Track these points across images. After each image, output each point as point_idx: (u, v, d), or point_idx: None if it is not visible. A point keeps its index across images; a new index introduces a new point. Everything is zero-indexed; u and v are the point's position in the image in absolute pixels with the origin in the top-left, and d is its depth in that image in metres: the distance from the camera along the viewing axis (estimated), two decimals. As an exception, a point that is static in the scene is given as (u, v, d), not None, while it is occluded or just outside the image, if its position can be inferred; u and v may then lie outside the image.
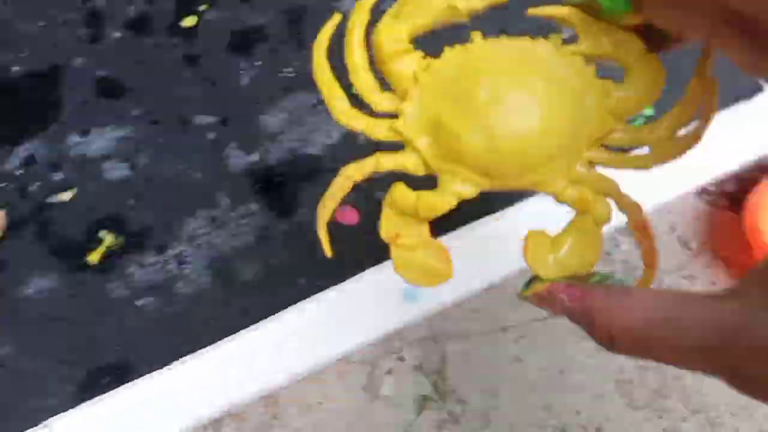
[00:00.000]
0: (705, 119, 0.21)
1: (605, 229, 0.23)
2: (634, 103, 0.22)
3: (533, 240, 0.23)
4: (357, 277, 0.35)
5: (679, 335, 0.16)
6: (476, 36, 0.22)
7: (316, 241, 0.23)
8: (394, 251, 0.24)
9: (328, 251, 0.23)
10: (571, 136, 0.22)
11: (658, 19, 0.19)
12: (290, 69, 0.41)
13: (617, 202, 0.23)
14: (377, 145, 0.23)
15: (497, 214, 0.37)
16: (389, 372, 0.90)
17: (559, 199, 0.22)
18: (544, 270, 0.22)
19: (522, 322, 0.92)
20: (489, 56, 0.22)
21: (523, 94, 0.21)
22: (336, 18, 0.23)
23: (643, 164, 0.23)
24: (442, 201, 0.22)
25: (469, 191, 0.22)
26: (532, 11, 0.22)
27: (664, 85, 0.22)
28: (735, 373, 0.15)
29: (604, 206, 0.22)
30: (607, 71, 0.22)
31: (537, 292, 0.21)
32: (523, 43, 0.22)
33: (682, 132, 0.22)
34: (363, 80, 0.23)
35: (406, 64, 0.22)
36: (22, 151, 0.38)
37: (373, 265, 0.35)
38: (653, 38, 0.21)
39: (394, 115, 0.23)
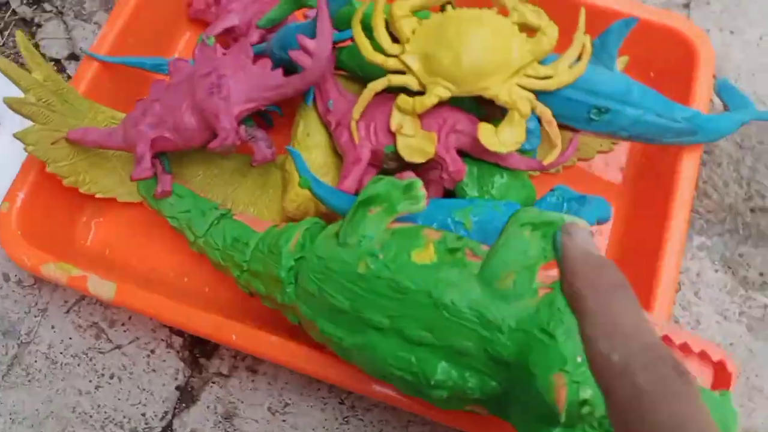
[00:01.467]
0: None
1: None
2: (542, 50, 0.37)
3: (484, 129, 0.37)
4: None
5: None
6: (449, 7, 0.38)
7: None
8: (399, 139, 0.38)
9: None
10: (504, 61, 0.37)
11: None
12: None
13: (534, 107, 0.37)
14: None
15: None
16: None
17: (497, 100, 0.37)
18: (494, 146, 0.37)
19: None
20: (456, 15, 0.37)
21: (475, 35, 0.36)
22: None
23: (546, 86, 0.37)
24: (428, 99, 0.37)
25: (444, 93, 0.37)
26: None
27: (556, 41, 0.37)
28: None
29: (524, 105, 0.37)
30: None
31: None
32: (477, 11, 0.38)
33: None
34: (382, 34, 0.38)
35: (408, 24, 0.38)
36: None
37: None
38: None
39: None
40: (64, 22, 0.52)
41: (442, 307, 0.29)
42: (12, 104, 0.38)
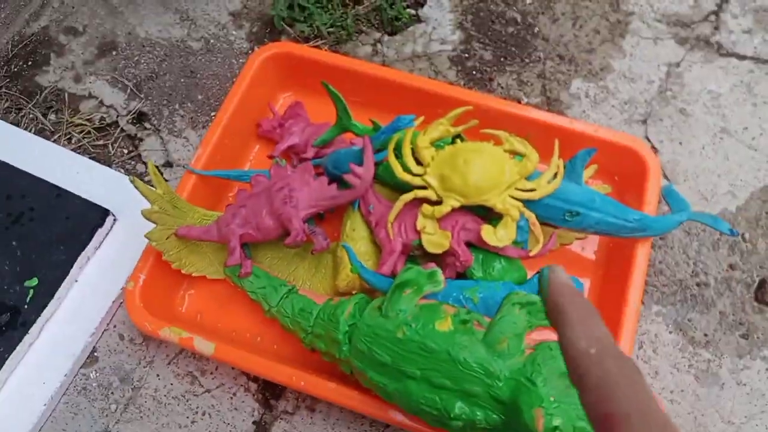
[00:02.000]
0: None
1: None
2: (527, 170, 0.51)
3: (486, 229, 0.51)
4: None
5: None
6: (458, 140, 0.52)
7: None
8: (423, 236, 0.52)
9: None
10: (499, 180, 0.51)
11: None
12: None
13: (522, 212, 0.51)
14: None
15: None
16: None
17: (495, 208, 0.51)
18: (493, 242, 0.50)
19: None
20: (463, 147, 0.52)
21: (477, 162, 0.51)
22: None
23: (531, 196, 0.51)
24: (444, 208, 0.51)
25: (456, 203, 0.51)
26: (484, 131, 0.53)
27: (540, 163, 0.51)
28: None
29: (515, 212, 0.51)
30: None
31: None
32: (479, 143, 0.52)
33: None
34: (409, 160, 0.53)
35: (428, 153, 0.52)
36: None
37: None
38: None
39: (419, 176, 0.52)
40: (161, 137, 0.67)
41: (457, 362, 0.42)
42: (144, 214, 0.52)
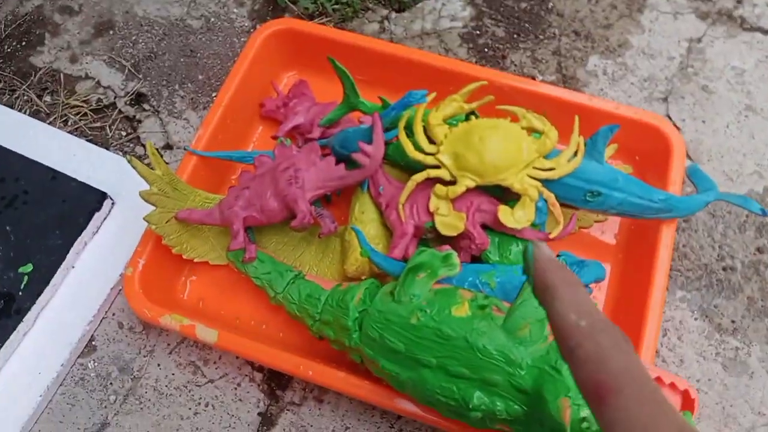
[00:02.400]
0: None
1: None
2: (545, 148, 0.48)
3: (503, 210, 0.48)
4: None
5: None
6: (472, 116, 0.50)
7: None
8: (436, 218, 0.49)
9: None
10: (517, 158, 0.48)
11: None
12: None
13: (541, 191, 0.48)
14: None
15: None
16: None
17: (512, 188, 0.48)
18: (511, 223, 0.47)
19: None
20: (479, 124, 0.49)
21: (494, 139, 0.48)
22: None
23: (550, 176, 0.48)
24: (459, 188, 0.48)
25: (471, 183, 0.48)
26: (500, 107, 0.50)
27: (559, 142, 0.48)
28: None
29: (533, 192, 0.48)
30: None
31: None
32: (495, 120, 0.49)
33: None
34: (421, 138, 0.50)
35: (441, 130, 0.50)
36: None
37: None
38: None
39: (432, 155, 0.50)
40: (160, 119, 0.65)
41: (476, 350, 0.39)
42: (143, 195, 0.49)
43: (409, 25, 0.69)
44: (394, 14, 0.70)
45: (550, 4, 0.69)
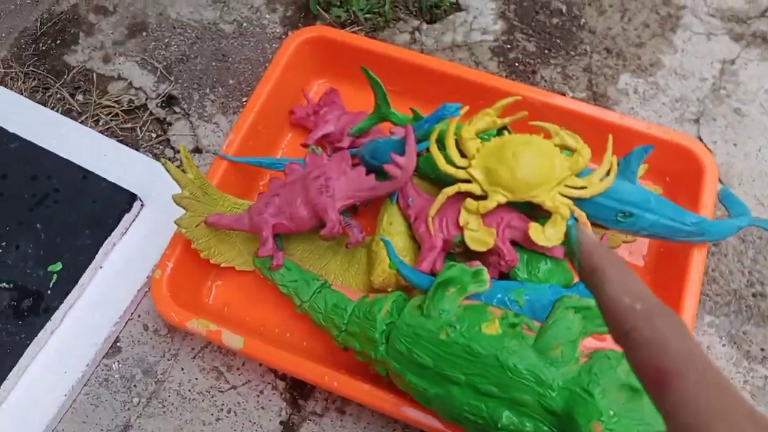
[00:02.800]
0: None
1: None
2: (578, 166, 0.48)
3: (534, 227, 0.48)
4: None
5: None
6: (505, 132, 0.49)
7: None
8: (466, 232, 0.49)
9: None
10: (549, 175, 0.48)
11: None
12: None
13: (572, 210, 0.48)
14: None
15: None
16: None
17: (543, 205, 0.48)
18: (541, 241, 0.47)
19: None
20: (512, 140, 0.49)
21: (527, 155, 0.48)
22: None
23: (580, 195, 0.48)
24: (490, 203, 0.48)
25: (502, 199, 0.48)
26: (533, 123, 0.50)
27: (591, 161, 0.48)
28: None
29: (565, 210, 0.48)
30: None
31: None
32: (528, 136, 0.49)
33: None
34: (453, 151, 0.50)
35: (473, 144, 0.49)
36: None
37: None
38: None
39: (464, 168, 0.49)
40: (190, 122, 0.65)
41: (506, 369, 0.39)
42: (175, 198, 0.50)
43: (440, 37, 0.69)
44: (425, 25, 0.70)
45: (582, 21, 0.69)
